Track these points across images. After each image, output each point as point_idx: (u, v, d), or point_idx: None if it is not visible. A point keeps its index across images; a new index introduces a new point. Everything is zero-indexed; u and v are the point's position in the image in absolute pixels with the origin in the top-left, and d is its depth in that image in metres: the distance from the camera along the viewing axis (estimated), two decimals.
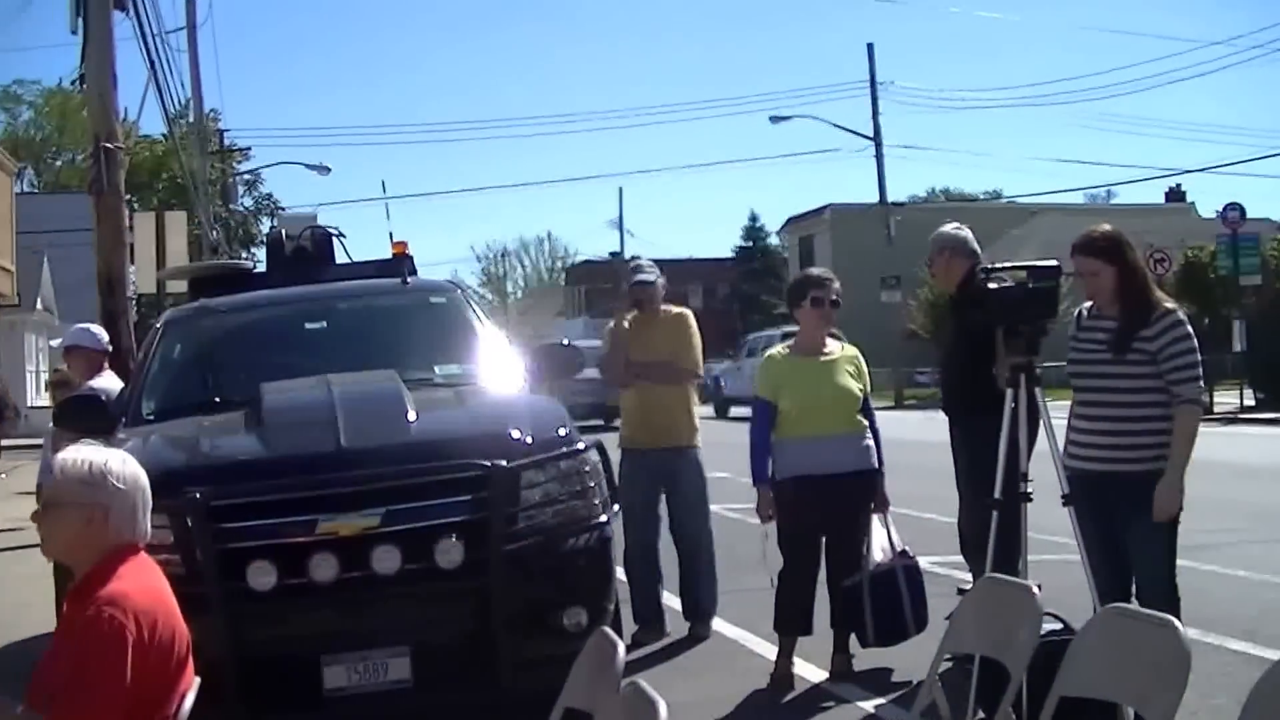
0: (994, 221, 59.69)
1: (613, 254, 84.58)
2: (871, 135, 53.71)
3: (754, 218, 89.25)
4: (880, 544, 8.48)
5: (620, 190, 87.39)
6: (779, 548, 8.48)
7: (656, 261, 10.42)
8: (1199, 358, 6.77)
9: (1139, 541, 6.73)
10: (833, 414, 8.35)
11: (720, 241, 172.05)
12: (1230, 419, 34.14)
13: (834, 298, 8.53)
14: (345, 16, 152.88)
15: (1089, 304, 6.99)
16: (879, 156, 53.77)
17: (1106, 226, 7.02)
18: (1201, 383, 6.79)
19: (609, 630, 4.72)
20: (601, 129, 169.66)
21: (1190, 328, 6.79)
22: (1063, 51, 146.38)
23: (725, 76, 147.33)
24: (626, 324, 9.83)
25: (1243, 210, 37.90)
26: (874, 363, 8.60)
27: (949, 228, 8.85)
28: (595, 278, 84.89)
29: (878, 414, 8.73)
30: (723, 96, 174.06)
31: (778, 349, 8.82)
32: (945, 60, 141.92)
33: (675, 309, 10.01)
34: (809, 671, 8.48)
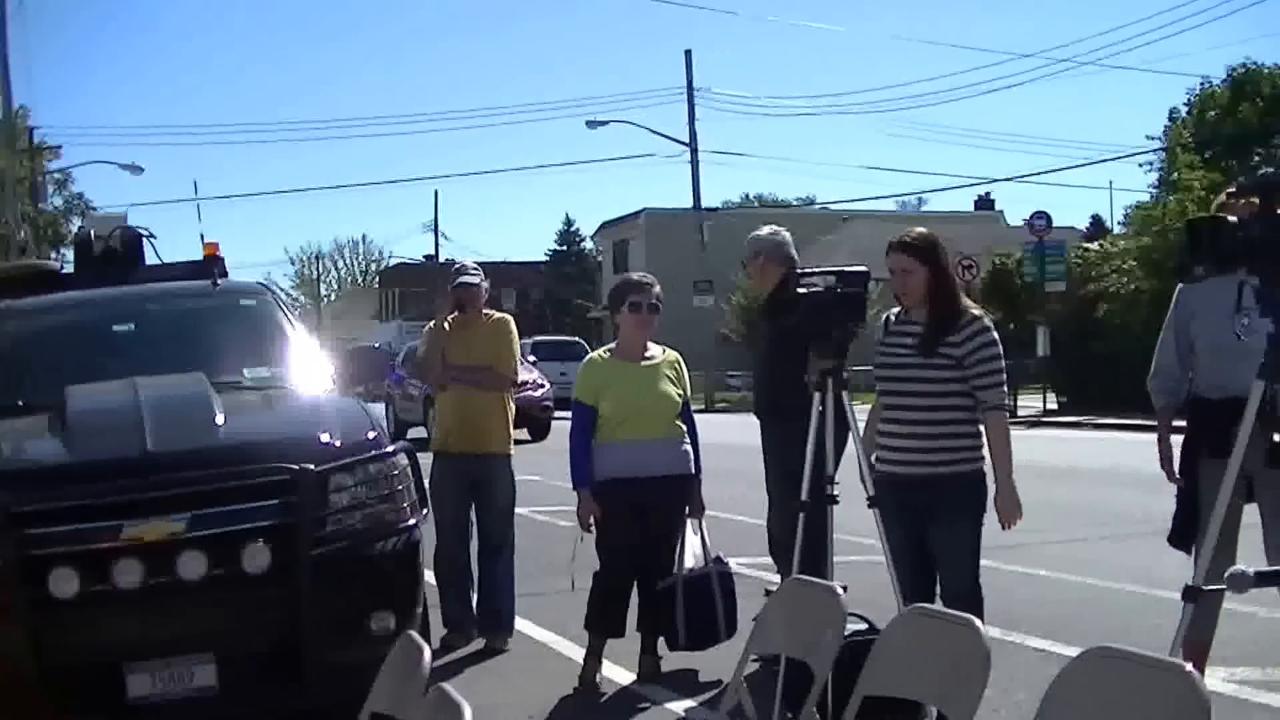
0: (807, 227, 60.25)
1: (427, 257, 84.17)
2: (687, 141, 53.99)
3: (569, 221, 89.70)
4: (693, 548, 8.54)
5: (435, 193, 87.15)
6: (596, 550, 8.50)
7: None
8: (1004, 364, 6.91)
9: (943, 543, 6.85)
10: (652, 418, 8.40)
11: (535, 245, 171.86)
12: (1034, 422, 34.89)
13: (654, 302, 8.58)
14: (164, 14, 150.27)
15: (896, 309, 7.10)
16: (694, 162, 54.06)
17: (923, 229, 7.14)
18: (1005, 388, 6.93)
19: (415, 634, 4.69)
20: (418, 132, 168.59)
21: (996, 335, 6.92)
22: (878, 60, 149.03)
23: (543, 81, 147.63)
24: (446, 325, 9.76)
25: (1049, 219, 38.85)
26: (686, 366, 8.65)
27: (765, 231, 8.94)
28: (409, 280, 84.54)
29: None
30: (539, 101, 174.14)
31: (599, 352, 8.85)
32: (762, 67, 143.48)
33: (496, 314, 9.95)
34: (617, 674, 8.51)
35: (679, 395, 8.53)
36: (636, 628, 8.56)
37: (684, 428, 8.54)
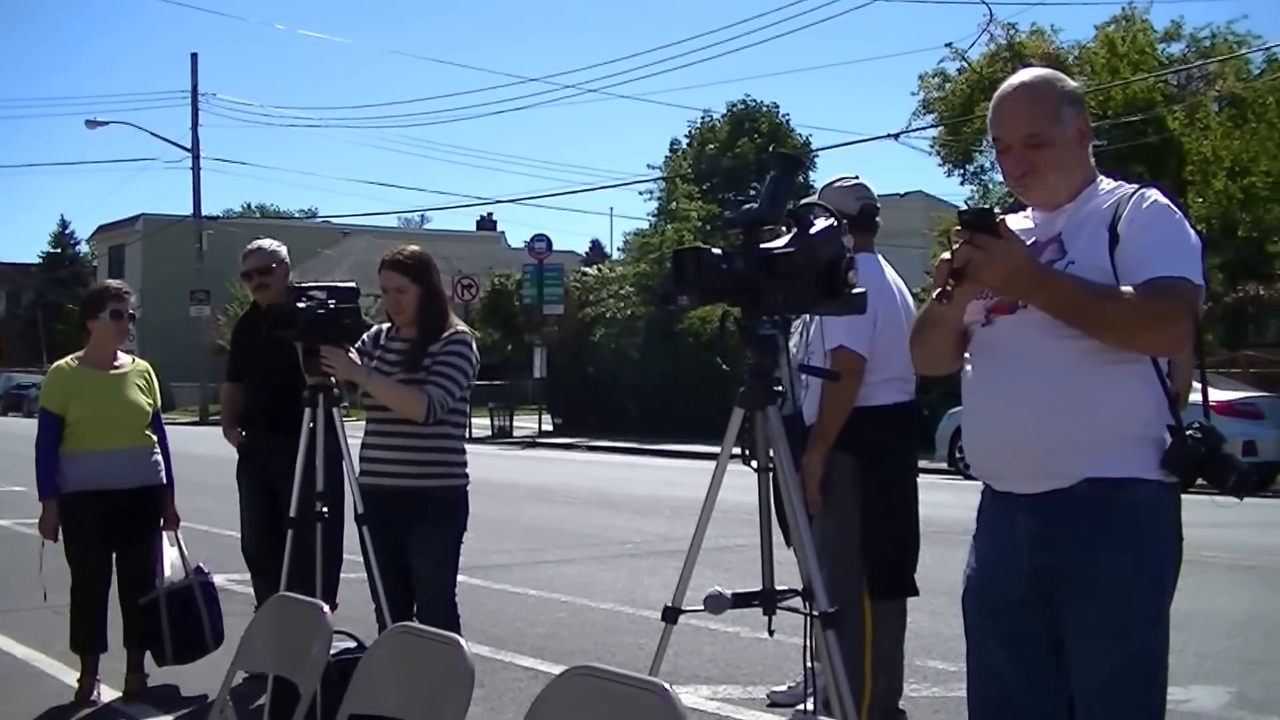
0: (309, 240, 59.96)
1: None
2: (190, 147, 52.77)
3: (65, 224, 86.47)
4: (173, 560, 8.35)
5: None
6: (69, 563, 8.18)
7: None
8: (468, 373, 6.87)
9: (422, 556, 6.83)
10: (122, 427, 8.15)
11: (27, 246, 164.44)
12: (529, 443, 35.49)
13: (131, 311, 8.35)
14: None
15: (387, 324, 7.08)
16: (196, 169, 52.87)
17: (416, 247, 7.15)
18: (455, 392, 6.85)
19: None
20: None
21: (474, 349, 6.93)
22: (383, 75, 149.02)
23: (39, 76, 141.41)
24: None
25: (549, 242, 39.59)
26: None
27: (271, 243, 8.79)
28: None
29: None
30: (32, 96, 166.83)
31: (67, 360, 8.51)
32: (269, 75, 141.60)
33: None
34: (102, 692, 8.21)
35: (149, 405, 8.33)
36: (123, 644, 8.29)
37: (154, 438, 8.33)
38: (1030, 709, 4.03)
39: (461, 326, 7.05)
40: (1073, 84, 4.17)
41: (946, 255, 3.80)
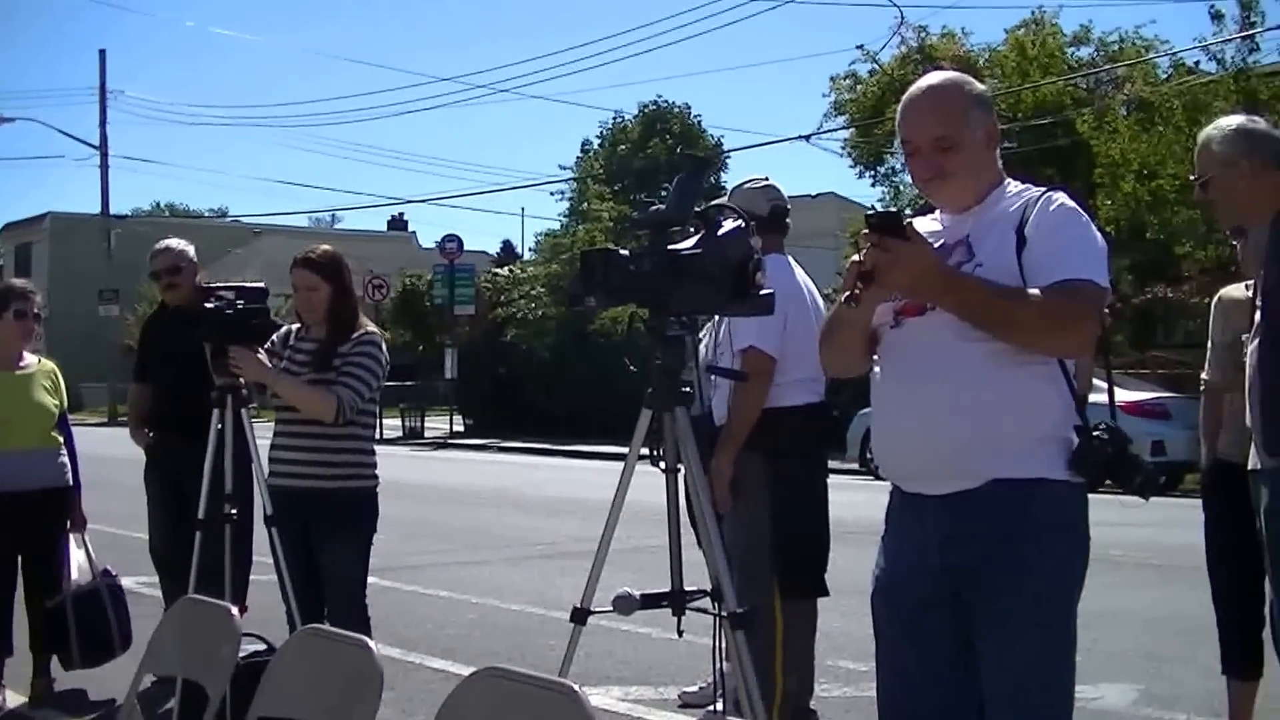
0: (219, 240, 59.52)
1: None
2: (98, 144, 52.22)
3: None
4: (80, 563, 8.27)
5: None
6: None
7: None
8: (378, 374, 6.83)
9: (332, 557, 6.79)
10: (27, 429, 8.06)
11: None
12: (441, 444, 35.38)
13: (37, 311, 8.25)
14: None
15: (297, 325, 7.04)
16: (104, 166, 52.38)
17: (328, 247, 7.12)
18: (365, 393, 6.82)
19: None
20: None
21: (383, 349, 6.91)
22: (296, 74, 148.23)
23: None
24: None
25: (461, 242, 39.49)
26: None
27: (179, 243, 8.71)
28: None
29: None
30: None
31: None
32: (178, 73, 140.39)
33: None
34: (8, 697, 8.10)
35: (55, 406, 8.24)
36: (29, 648, 8.19)
37: (61, 439, 8.24)
38: (939, 707, 4.05)
39: (371, 327, 7.03)
40: (981, 87, 4.20)
41: (857, 258, 3.82)
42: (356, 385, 6.72)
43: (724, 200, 5.68)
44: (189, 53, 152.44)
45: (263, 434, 6.83)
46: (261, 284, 7.38)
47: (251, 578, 8.04)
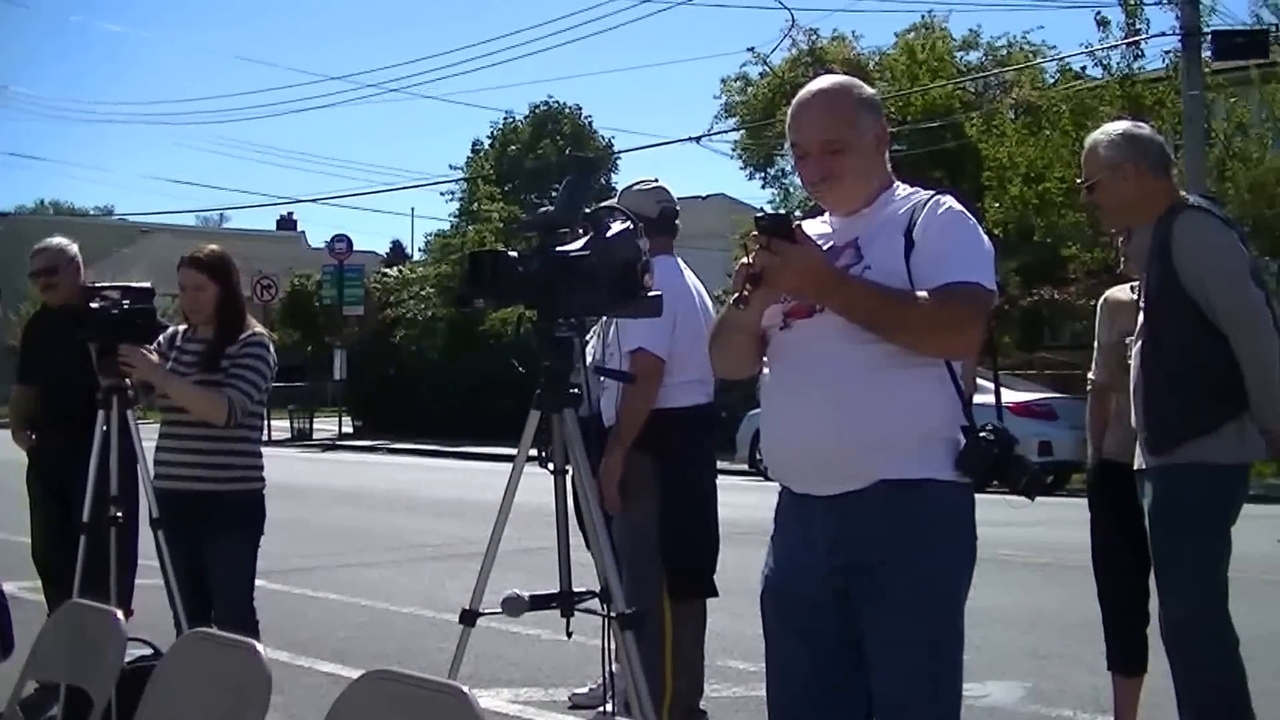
0: (105, 238, 58.75)
1: None
2: None
3: None
4: None
5: None
6: None
7: None
8: (266, 375, 6.78)
9: (219, 560, 6.73)
10: None
11: None
12: (330, 445, 35.18)
13: None
14: None
15: (184, 326, 6.97)
16: None
17: (215, 246, 7.06)
18: (254, 395, 6.77)
19: None
20: None
21: (271, 351, 6.86)
22: (185, 72, 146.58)
23: None
24: None
25: (350, 242, 39.28)
26: None
27: (61, 241, 8.59)
28: None
29: None
30: None
31: None
32: (66, 69, 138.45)
33: None
34: None
35: None
36: None
37: None
38: (829, 706, 4.08)
39: (259, 328, 6.97)
40: (870, 90, 4.23)
41: (746, 260, 3.83)
42: (245, 387, 6.66)
43: (613, 202, 5.71)
44: (76, 49, 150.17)
45: (148, 436, 6.76)
46: (148, 284, 7.31)
47: (137, 581, 7.95)
